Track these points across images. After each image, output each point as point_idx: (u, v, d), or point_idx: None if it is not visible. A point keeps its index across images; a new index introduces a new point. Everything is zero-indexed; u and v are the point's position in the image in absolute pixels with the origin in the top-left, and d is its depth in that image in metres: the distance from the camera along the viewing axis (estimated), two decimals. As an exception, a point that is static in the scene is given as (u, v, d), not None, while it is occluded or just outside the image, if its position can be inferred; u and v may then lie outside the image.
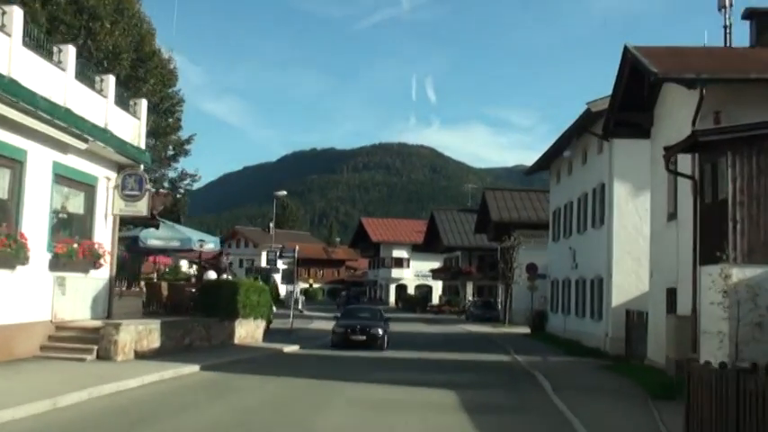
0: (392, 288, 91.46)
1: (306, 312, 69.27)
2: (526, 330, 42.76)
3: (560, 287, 38.46)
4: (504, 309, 53.22)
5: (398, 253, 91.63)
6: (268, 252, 41.32)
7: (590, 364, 24.74)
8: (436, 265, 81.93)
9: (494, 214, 57.16)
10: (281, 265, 42.35)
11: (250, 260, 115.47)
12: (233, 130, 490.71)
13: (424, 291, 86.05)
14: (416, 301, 76.32)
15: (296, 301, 76.24)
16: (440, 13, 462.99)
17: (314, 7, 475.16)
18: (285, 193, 40.97)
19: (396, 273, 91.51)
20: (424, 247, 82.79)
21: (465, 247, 73.93)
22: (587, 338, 31.65)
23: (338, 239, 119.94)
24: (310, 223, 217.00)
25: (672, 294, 21.22)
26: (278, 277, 59.03)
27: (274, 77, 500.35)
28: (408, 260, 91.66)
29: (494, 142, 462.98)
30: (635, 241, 28.83)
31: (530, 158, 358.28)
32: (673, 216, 21.29)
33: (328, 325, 50.43)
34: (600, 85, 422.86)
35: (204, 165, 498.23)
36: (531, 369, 22.96)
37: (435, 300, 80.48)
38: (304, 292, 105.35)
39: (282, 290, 57.08)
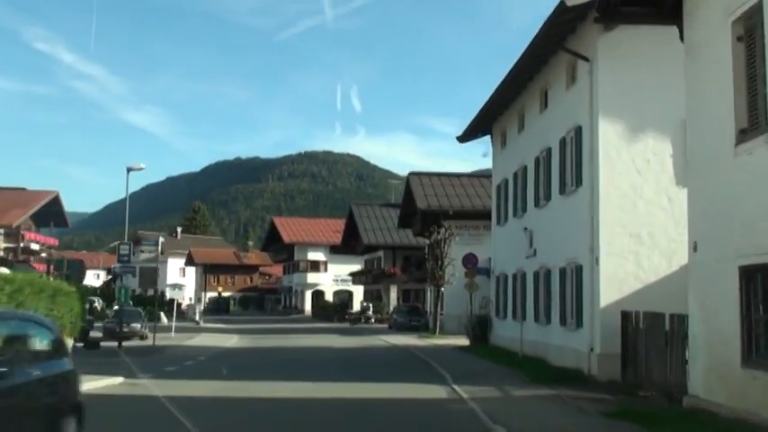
0: (308, 295, 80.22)
1: (202, 324, 57.98)
2: (463, 342, 32.59)
3: (510, 284, 28.24)
4: (435, 315, 42.88)
5: (314, 255, 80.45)
6: (119, 246, 30.06)
7: (588, 406, 14.37)
8: (357, 268, 71.24)
9: (420, 202, 46.83)
10: (144, 260, 31.18)
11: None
12: (155, 140, 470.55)
13: (344, 297, 75.16)
14: (334, 309, 65.38)
15: (188, 311, 64.90)
16: (362, 23, 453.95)
17: (236, 17, 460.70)
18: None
19: (312, 278, 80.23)
20: (343, 248, 72.05)
21: (388, 246, 63.52)
22: (557, 354, 21.42)
23: (251, 243, 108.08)
24: (235, 233, 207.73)
25: (752, 276, 11.13)
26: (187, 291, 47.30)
27: (197, 87, 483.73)
28: (326, 263, 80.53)
29: (419, 150, 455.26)
30: (632, 208, 18.76)
31: (454, 166, 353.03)
32: (752, 131, 11.20)
33: (216, 340, 39.47)
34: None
35: (124, 174, 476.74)
36: (491, 423, 12.40)
37: (357, 307, 69.40)
38: (216, 301, 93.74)
39: (171, 296, 45.23)
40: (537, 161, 24.67)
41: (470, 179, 50.75)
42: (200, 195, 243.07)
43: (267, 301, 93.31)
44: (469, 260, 31.95)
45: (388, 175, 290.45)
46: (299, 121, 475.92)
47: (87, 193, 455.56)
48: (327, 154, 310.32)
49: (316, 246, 79.95)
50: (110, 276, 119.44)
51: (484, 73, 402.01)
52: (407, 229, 61.91)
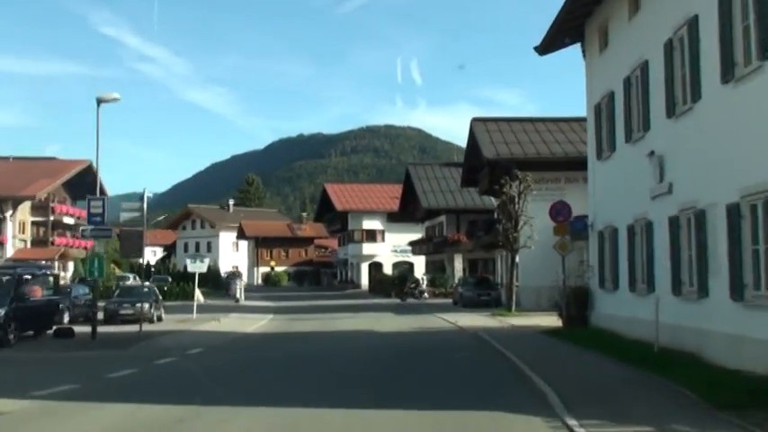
0: (364, 267, 71.84)
1: (242, 302, 50.45)
2: (549, 321, 23.97)
3: (623, 241, 19.27)
4: (509, 288, 34.12)
5: (370, 224, 71.82)
6: (89, 202, 22.08)
7: None
8: (419, 237, 62.62)
9: (487, 151, 37.94)
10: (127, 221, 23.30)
11: (207, 243, 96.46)
12: (219, 120, 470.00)
13: (404, 269, 66.58)
14: (392, 283, 56.90)
15: (228, 287, 57.38)
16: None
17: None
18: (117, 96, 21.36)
19: (368, 248, 71.64)
20: (401, 215, 63.47)
21: (450, 209, 54.78)
22: (727, 349, 12.60)
23: (304, 214, 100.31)
24: (300, 209, 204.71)
25: None
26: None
27: (259, 65, 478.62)
28: (383, 232, 71.86)
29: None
30: None
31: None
32: None
33: (239, 324, 31.64)
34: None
35: (191, 155, 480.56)
36: None
37: (421, 280, 60.52)
38: (267, 276, 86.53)
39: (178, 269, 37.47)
40: (668, 47, 15.65)
41: (545, 123, 41.52)
42: (264, 173, 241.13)
43: (323, 276, 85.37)
44: (560, 211, 22.86)
45: (451, 147, 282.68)
46: (361, 96, 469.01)
47: (156, 174, 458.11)
48: (389, 128, 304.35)
49: (371, 213, 71.39)
50: (165, 253, 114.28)
51: (534, 37, 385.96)
52: (472, 190, 53.23)
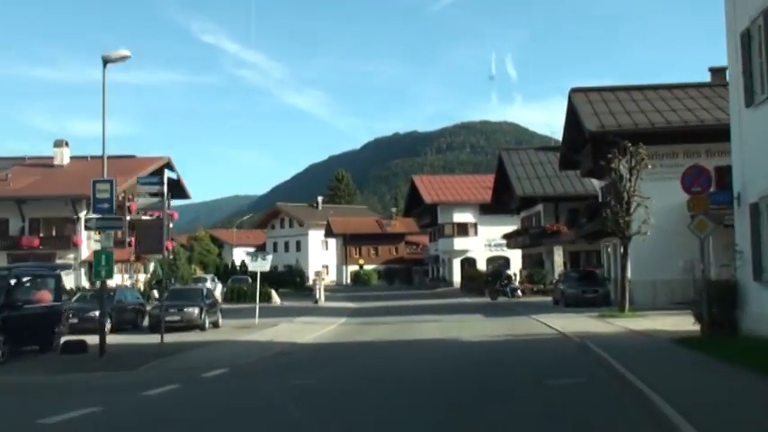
0: (456, 264, 66.15)
1: (322, 303, 46.07)
2: (674, 323, 18.21)
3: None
4: (622, 283, 28.13)
5: (461, 216, 65.93)
6: (94, 185, 17.47)
7: None
8: (514, 229, 56.64)
9: (589, 122, 32.04)
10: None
11: (296, 241, 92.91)
12: (316, 121, 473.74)
13: (499, 264, 60.62)
14: (485, 280, 51.15)
15: (308, 287, 52.91)
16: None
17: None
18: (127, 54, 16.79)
19: (459, 243, 65.82)
20: (494, 206, 57.69)
21: (548, 197, 48.79)
22: None
23: (394, 210, 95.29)
24: (396, 208, 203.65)
25: None
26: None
27: (354, 67, 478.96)
28: (475, 225, 65.87)
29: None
30: None
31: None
32: None
33: (300, 330, 26.96)
34: (685, 46, 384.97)
35: (289, 156, 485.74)
36: None
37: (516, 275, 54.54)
38: (355, 275, 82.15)
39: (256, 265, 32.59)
40: None
41: (657, 91, 35.28)
42: (360, 172, 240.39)
43: (415, 274, 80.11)
44: (695, 179, 16.80)
45: (548, 141, 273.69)
46: (455, 93, 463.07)
47: (255, 177, 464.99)
48: (484, 123, 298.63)
49: (462, 205, 65.64)
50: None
51: (642, 30, 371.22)
52: (572, 174, 47.26)
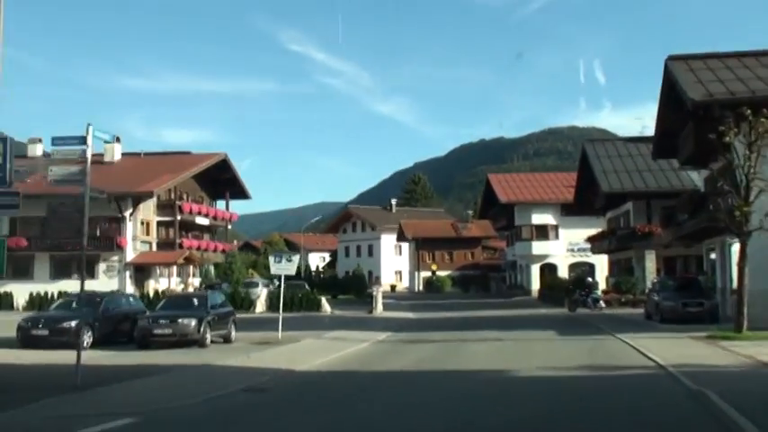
0: (535, 270, 59.08)
1: (378, 314, 40.22)
2: None
3: None
4: (740, 294, 21.20)
5: (540, 218, 58.75)
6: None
7: None
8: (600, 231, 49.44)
9: (693, 92, 25.09)
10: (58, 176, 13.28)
11: (368, 246, 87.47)
12: (402, 128, 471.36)
13: (583, 271, 53.46)
14: (566, 289, 44.14)
15: (369, 294, 47.08)
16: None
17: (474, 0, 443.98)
18: None
19: (538, 247, 58.68)
20: (577, 207, 50.73)
21: (639, 193, 41.62)
22: None
23: (470, 212, 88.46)
24: (473, 211, 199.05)
25: None
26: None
27: (440, 74, 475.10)
28: (556, 228, 58.60)
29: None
30: None
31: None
32: None
33: (325, 348, 21.12)
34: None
35: (376, 163, 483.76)
36: None
37: (601, 283, 47.31)
38: (428, 281, 76.04)
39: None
40: None
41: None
42: (446, 179, 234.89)
43: (491, 281, 73.28)
44: None
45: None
46: (542, 99, 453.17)
47: (342, 184, 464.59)
48: (572, 129, 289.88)
49: (541, 206, 58.56)
50: (331, 258, 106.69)
51: (735, 34, 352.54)
52: (666, 168, 40.23)
